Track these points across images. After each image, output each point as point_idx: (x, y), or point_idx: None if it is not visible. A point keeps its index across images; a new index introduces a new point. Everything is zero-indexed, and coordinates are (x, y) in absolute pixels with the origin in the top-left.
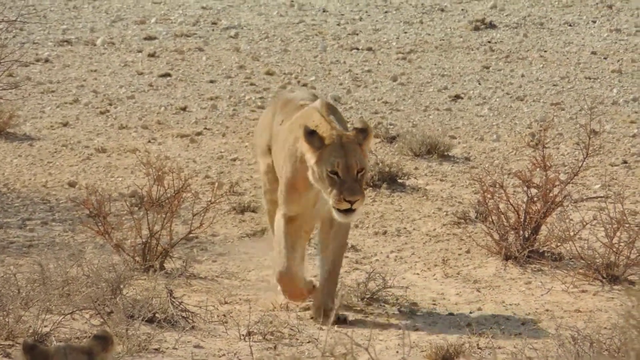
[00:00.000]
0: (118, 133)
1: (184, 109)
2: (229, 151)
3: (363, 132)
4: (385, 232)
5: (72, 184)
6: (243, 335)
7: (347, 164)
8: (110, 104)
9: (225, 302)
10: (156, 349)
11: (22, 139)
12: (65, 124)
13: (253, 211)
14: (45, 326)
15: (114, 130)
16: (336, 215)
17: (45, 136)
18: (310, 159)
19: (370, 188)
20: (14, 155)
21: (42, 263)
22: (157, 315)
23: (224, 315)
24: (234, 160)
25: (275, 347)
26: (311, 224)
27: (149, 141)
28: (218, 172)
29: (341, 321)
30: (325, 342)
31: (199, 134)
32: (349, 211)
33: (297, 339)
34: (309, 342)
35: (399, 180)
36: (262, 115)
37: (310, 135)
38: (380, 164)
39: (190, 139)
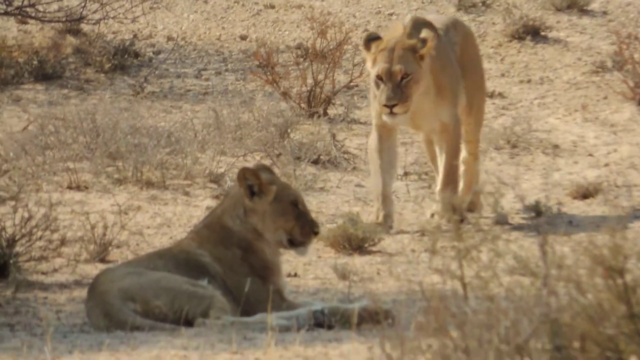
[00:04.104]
0: None
1: None
2: (386, 7)
3: (423, 41)
4: (529, 80)
5: (243, 37)
6: (399, 175)
7: (391, 69)
8: None
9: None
10: (321, 188)
11: None
12: None
13: None
14: (220, 167)
15: None
16: (384, 117)
17: None
18: (368, 63)
19: (516, 40)
20: (190, 10)
21: (217, 109)
22: (321, 157)
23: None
24: (391, 15)
25: (429, 186)
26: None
27: None
28: (376, 25)
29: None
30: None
31: None
32: (391, 114)
33: None
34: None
35: (542, 33)
36: None
37: (368, 41)
38: (525, 18)
39: None
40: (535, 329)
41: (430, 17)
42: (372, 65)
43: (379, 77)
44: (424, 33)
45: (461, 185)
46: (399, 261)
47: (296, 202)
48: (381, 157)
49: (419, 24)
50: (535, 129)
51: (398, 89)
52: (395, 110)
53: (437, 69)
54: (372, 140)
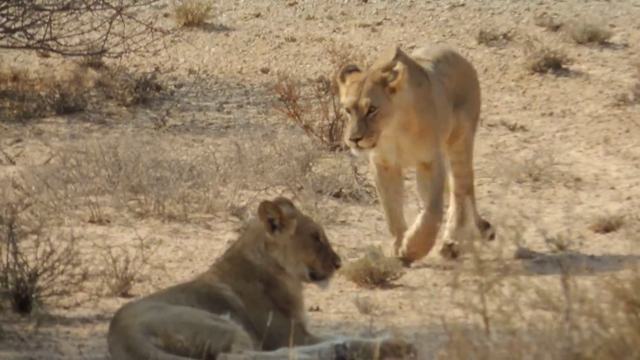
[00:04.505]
0: (306, 23)
1: (365, 0)
2: (407, 39)
3: (395, 73)
4: (551, 113)
5: (264, 70)
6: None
7: (356, 103)
8: None
9: (406, 178)
10: (343, 221)
11: (218, 29)
12: (258, 15)
13: None
14: (241, 201)
15: (302, 20)
16: (352, 152)
17: (240, 26)
18: (342, 96)
19: (537, 73)
20: (211, 44)
21: (238, 143)
22: (343, 190)
23: (405, 191)
24: (412, 48)
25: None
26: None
27: (334, 31)
28: None
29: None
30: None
31: (379, 23)
32: (357, 148)
33: None
34: (482, 215)
35: (563, 66)
36: None
37: (344, 73)
38: (546, 51)
39: (371, 28)
40: None
41: (422, 50)
42: (343, 99)
43: (347, 110)
44: (398, 66)
45: (453, 223)
46: (421, 295)
47: (317, 235)
48: (386, 190)
49: (399, 57)
50: (557, 162)
51: (363, 122)
52: (360, 144)
53: (420, 108)
54: (374, 175)
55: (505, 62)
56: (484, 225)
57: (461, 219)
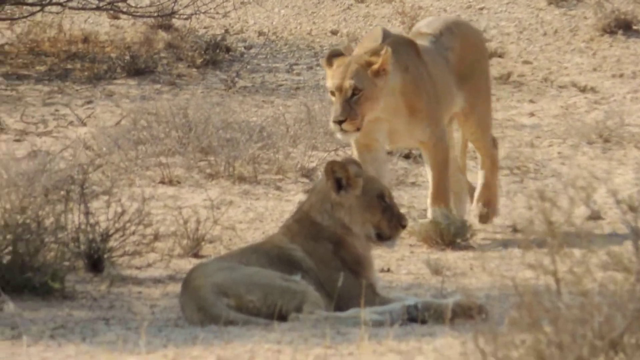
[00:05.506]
0: None
1: None
2: (477, 0)
3: (377, 54)
4: (621, 75)
5: (334, 32)
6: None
7: (340, 85)
8: None
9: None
10: (413, 182)
11: None
12: None
13: (499, 56)
14: (311, 162)
15: None
16: (336, 135)
17: None
18: (327, 80)
19: (607, 34)
20: (281, 5)
21: (308, 104)
22: (412, 151)
23: (474, 152)
24: (481, 9)
25: (521, 181)
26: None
27: None
28: (467, 20)
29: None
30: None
31: None
32: (341, 131)
33: (542, 173)
34: (552, 176)
35: (634, 27)
36: None
37: (330, 57)
38: (617, 12)
39: None
40: (629, 324)
41: (424, 21)
42: (327, 82)
43: (332, 93)
44: (383, 50)
45: (477, 198)
46: (491, 256)
47: (383, 195)
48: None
49: (387, 37)
50: (627, 123)
51: (347, 104)
52: (344, 127)
53: (411, 90)
54: (353, 153)
55: (575, 24)
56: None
57: (487, 196)
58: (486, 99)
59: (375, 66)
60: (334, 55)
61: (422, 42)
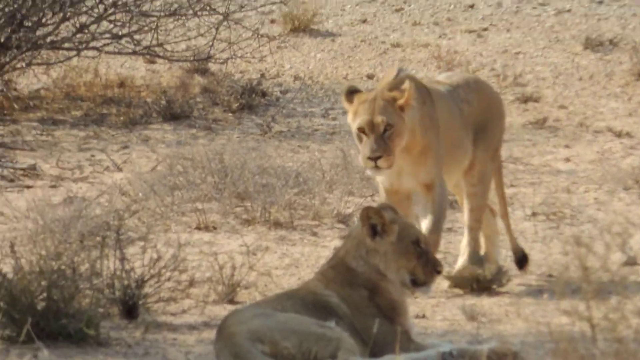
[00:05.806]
0: (412, 29)
1: (471, 6)
2: (512, 45)
3: (403, 92)
4: None
5: (370, 76)
6: (528, 215)
7: (371, 121)
8: (405, 2)
9: (511, 185)
10: (448, 228)
11: (324, 35)
12: (364, 21)
13: (535, 101)
14: (348, 207)
15: (408, 26)
16: (368, 172)
17: (346, 32)
18: (349, 117)
19: None
20: (317, 50)
21: (344, 149)
22: (449, 197)
23: (510, 198)
24: (517, 54)
25: (557, 227)
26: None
27: (440, 36)
28: (502, 65)
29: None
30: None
31: (485, 29)
32: (375, 168)
33: (578, 219)
34: (588, 221)
35: None
36: None
37: (350, 93)
38: None
39: (477, 34)
40: None
41: (444, 74)
42: (354, 119)
43: (361, 130)
44: (405, 84)
45: (465, 257)
46: (527, 302)
47: (418, 241)
48: None
49: (403, 76)
50: None
51: (381, 140)
52: (379, 163)
53: (424, 126)
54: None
55: (611, 68)
56: (521, 253)
57: (485, 253)
58: (493, 158)
59: (401, 101)
60: (352, 91)
61: (437, 88)
